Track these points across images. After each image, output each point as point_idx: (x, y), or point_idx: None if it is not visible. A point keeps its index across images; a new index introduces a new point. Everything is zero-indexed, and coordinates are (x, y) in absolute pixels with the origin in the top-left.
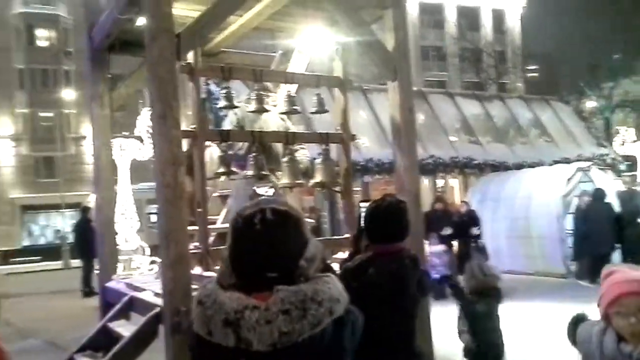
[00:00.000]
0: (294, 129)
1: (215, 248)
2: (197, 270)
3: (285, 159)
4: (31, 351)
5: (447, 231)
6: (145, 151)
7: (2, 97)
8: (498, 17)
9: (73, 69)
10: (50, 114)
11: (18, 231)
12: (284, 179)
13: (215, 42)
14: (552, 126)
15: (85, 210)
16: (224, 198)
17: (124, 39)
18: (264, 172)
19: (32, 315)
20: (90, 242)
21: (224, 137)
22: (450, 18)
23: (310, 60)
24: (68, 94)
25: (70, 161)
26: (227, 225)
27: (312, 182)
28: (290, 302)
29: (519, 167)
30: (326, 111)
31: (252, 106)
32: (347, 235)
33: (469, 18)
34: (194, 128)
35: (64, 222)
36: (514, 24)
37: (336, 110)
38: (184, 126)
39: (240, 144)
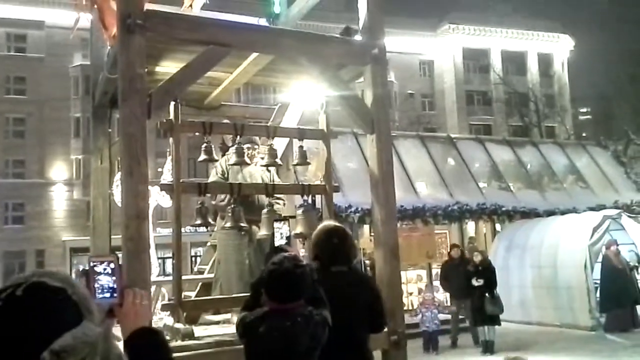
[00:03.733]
0: (278, 180)
1: (195, 299)
2: (169, 320)
3: (264, 211)
4: None
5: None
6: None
7: (59, 144)
8: (545, 61)
9: None
10: None
11: (67, 272)
12: (263, 230)
13: (212, 96)
14: (588, 172)
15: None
16: (215, 248)
17: None
18: (242, 224)
19: None
20: None
21: (201, 189)
22: (496, 63)
23: (303, 113)
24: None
25: (118, 206)
26: (212, 275)
27: (293, 232)
28: None
29: (551, 214)
30: (308, 163)
31: (232, 159)
32: None
33: (514, 62)
34: (171, 181)
35: None
36: (561, 67)
37: (319, 162)
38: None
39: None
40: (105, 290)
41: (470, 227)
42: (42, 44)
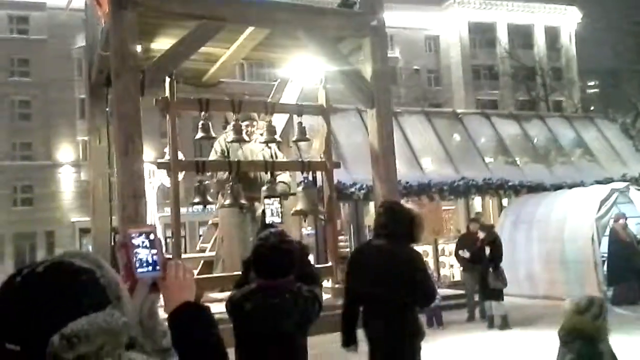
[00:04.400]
0: (280, 157)
1: (196, 277)
2: None
3: (264, 188)
4: None
5: (465, 254)
6: None
7: (65, 126)
8: (552, 34)
9: None
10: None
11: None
12: (262, 207)
13: (210, 73)
14: (596, 145)
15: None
16: (217, 226)
17: None
18: (241, 201)
19: None
20: None
21: (199, 167)
22: (502, 37)
23: (303, 90)
24: None
25: None
26: (213, 253)
27: (293, 209)
28: None
29: (558, 188)
30: (308, 139)
31: (231, 137)
32: (329, 264)
33: (521, 36)
34: (168, 159)
35: None
36: (568, 40)
37: (319, 138)
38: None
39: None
40: (146, 264)
41: (476, 202)
42: (44, 25)
